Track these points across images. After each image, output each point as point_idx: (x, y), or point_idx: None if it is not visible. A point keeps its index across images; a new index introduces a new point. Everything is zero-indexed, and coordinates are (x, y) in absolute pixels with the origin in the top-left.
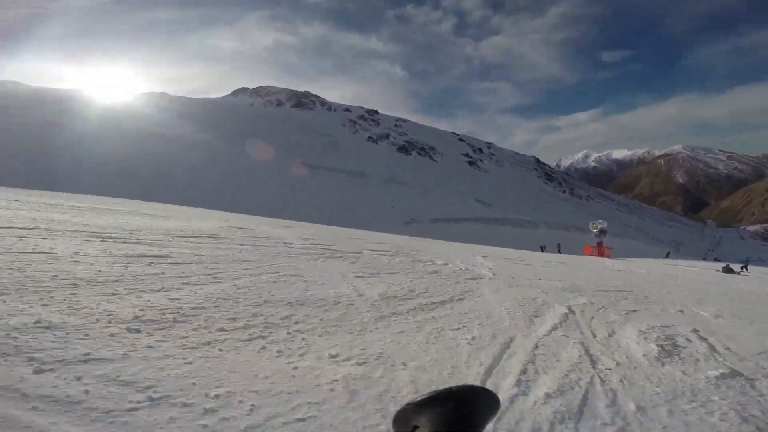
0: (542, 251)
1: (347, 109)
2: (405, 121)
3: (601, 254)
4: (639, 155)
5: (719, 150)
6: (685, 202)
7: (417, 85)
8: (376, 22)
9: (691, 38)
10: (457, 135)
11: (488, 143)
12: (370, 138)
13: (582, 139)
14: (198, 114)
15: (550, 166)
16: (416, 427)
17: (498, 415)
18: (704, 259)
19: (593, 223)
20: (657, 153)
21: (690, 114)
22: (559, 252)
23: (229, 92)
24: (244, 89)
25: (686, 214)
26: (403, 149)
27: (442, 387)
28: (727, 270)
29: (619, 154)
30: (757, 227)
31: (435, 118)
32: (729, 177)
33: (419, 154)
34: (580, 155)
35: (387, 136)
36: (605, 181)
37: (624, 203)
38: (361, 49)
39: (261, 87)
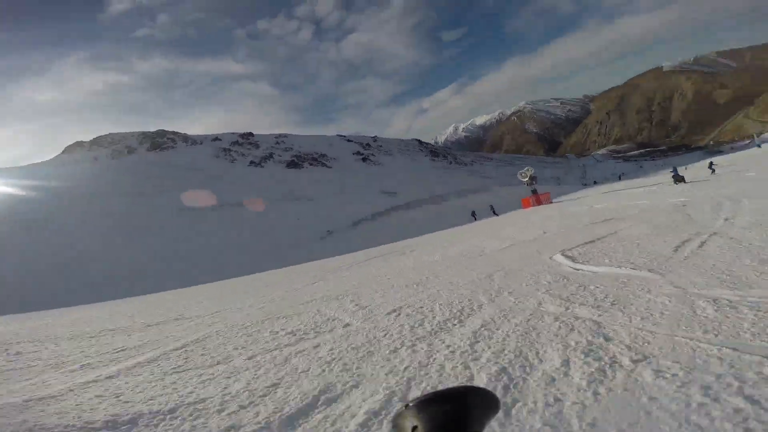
0: (475, 218)
1: (216, 139)
2: (285, 136)
3: (539, 202)
4: (496, 117)
5: (553, 98)
6: (544, 146)
7: (291, 98)
8: (227, 43)
9: (504, 8)
10: (344, 136)
11: (373, 137)
12: (252, 162)
13: (448, 114)
14: (22, 184)
15: (431, 144)
16: (416, 427)
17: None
18: (585, 185)
19: (521, 173)
20: (509, 112)
21: (523, 73)
22: (495, 213)
23: (62, 150)
24: (80, 143)
25: (548, 154)
26: (293, 164)
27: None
28: (679, 179)
29: (480, 120)
30: (603, 151)
31: (319, 126)
32: (567, 118)
33: (311, 164)
34: (450, 129)
35: (270, 155)
36: (477, 145)
37: (501, 158)
38: (218, 74)
39: (101, 137)
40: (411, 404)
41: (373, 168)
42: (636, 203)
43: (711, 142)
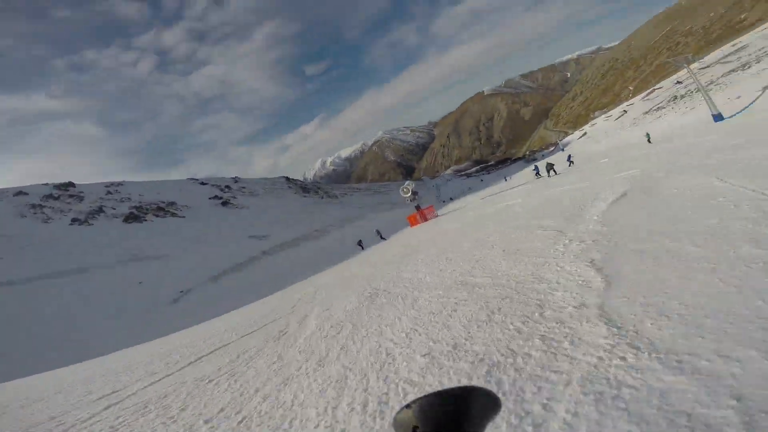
0: (362, 248)
1: (21, 193)
2: (120, 184)
3: (425, 218)
4: (359, 149)
5: (405, 127)
6: (402, 171)
7: (126, 140)
8: (39, 76)
9: (362, 41)
10: (197, 180)
11: (234, 178)
12: (75, 220)
13: (314, 148)
14: None
15: (301, 181)
16: (416, 427)
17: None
18: (443, 202)
19: (403, 188)
20: (370, 142)
21: (379, 103)
22: (382, 237)
23: None
24: None
25: (407, 179)
26: (134, 217)
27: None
28: (550, 167)
29: (345, 152)
30: (450, 171)
31: (164, 171)
32: (417, 144)
33: (157, 215)
34: (318, 163)
35: (101, 209)
36: (346, 177)
37: (368, 188)
38: (23, 113)
39: None
40: (411, 404)
41: (237, 212)
42: (567, 188)
43: (527, 152)
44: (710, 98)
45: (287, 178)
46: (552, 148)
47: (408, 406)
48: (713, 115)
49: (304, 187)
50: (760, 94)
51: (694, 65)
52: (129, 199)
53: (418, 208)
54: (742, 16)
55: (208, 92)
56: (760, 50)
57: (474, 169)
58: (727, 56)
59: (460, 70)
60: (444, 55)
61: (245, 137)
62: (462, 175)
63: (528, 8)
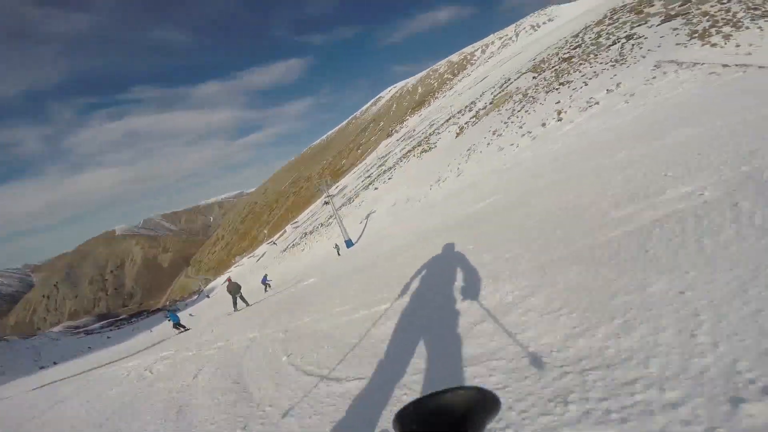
0: None
1: None
2: None
3: None
4: None
5: None
6: None
7: None
8: None
9: None
10: None
11: None
12: None
13: None
14: None
15: None
16: (416, 427)
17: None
18: (42, 367)
19: None
20: None
21: None
22: None
23: None
24: None
25: None
26: None
27: (441, 388)
28: (237, 290)
29: None
30: (59, 328)
31: None
32: (4, 294)
33: None
34: None
35: None
36: None
37: None
38: None
39: None
40: (410, 404)
41: None
42: None
43: (168, 302)
44: (343, 226)
45: None
46: (195, 296)
47: (407, 406)
48: (346, 241)
49: None
50: (366, 221)
51: (331, 189)
52: None
53: None
54: (342, 162)
55: None
56: (355, 187)
57: (98, 324)
58: (337, 194)
59: (88, 200)
60: (71, 177)
61: None
62: (79, 332)
63: (189, 143)
